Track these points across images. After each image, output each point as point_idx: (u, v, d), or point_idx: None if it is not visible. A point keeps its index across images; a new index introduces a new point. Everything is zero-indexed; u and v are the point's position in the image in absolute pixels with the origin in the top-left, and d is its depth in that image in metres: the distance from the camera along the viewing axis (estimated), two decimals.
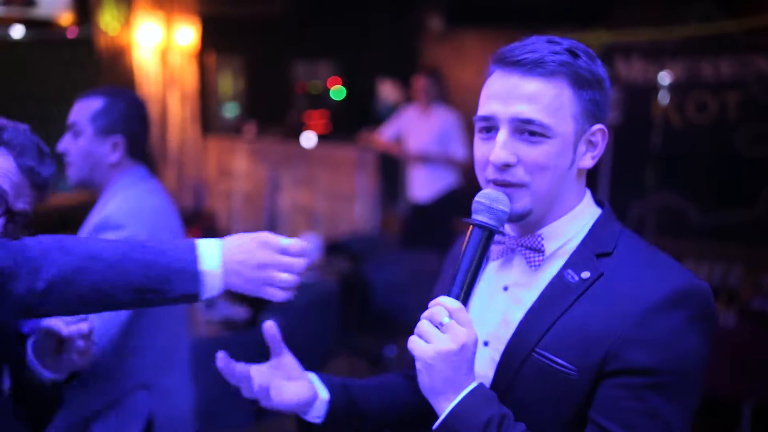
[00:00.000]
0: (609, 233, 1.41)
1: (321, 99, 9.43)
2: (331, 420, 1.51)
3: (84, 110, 2.53)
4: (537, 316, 1.36)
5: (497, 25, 8.04)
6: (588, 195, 1.45)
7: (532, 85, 1.33)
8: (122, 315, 2.39)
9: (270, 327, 1.54)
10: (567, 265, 1.38)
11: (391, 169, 7.51)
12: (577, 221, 1.41)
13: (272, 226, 8.07)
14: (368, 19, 9.20)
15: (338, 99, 9.57)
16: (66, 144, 2.53)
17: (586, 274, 1.35)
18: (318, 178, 7.84)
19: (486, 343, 1.42)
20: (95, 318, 2.30)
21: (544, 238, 1.40)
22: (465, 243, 1.33)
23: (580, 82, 1.35)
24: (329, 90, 9.54)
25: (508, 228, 1.46)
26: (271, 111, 9.15)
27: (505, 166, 1.34)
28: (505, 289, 1.44)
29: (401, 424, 1.65)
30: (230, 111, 9.17)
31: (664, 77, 6.00)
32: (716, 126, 6.30)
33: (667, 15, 6.52)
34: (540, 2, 7.62)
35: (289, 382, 1.51)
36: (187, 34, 8.00)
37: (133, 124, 2.57)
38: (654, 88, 6.34)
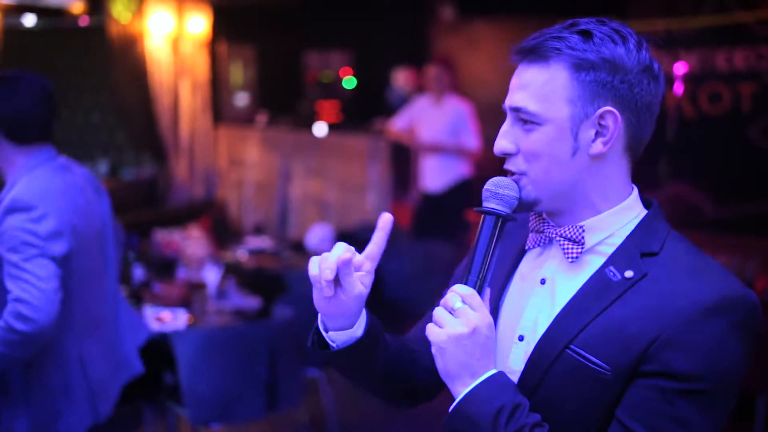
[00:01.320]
0: (656, 233, 1.36)
1: (332, 89, 9.43)
2: (360, 346, 1.45)
3: None
4: (574, 312, 1.32)
5: (509, 14, 8.00)
6: (635, 192, 1.41)
7: (527, 72, 1.34)
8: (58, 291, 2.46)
9: (386, 219, 1.49)
10: (609, 262, 1.34)
11: (402, 159, 7.50)
12: (621, 217, 1.37)
13: (283, 216, 8.07)
14: (380, 9, 9.17)
15: (350, 88, 9.57)
16: None
17: (629, 273, 1.31)
18: (329, 168, 7.84)
19: (521, 338, 1.39)
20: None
21: (585, 231, 1.36)
22: (478, 232, 1.34)
23: (581, 64, 1.30)
24: (341, 79, 9.53)
25: (544, 215, 1.44)
26: (283, 100, 9.15)
27: (506, 155, 1.36)
28: (543, 282, 1.40)
29: (401, 390, 1.62)
30: (240, 100, 9.17)
31: (678, 68, 5.95)
32: (730, 117, 6.26)
33: (681, 5, 6.48)
34: None
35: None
36: (199, 23, 8.00)
37: (15, 107, 2.58)
38: (667, 78, 6.31)
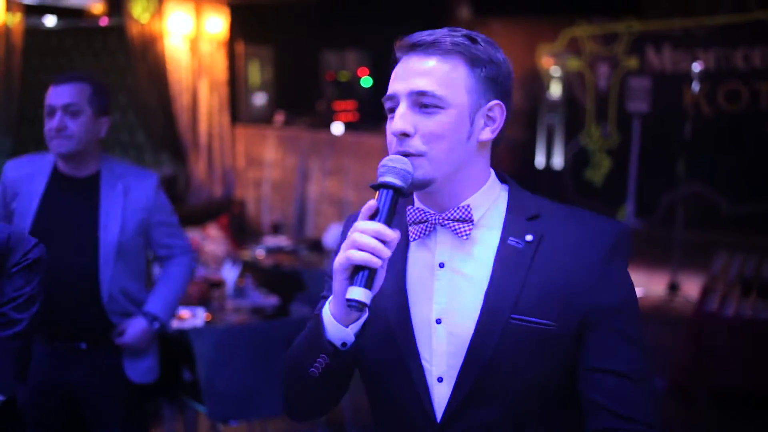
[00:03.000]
0: (527, 200, 1.52)
1: (350, 88, 9.45)
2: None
3: None
4: (501, 285, 1.43)
5: (525, 14, 8.01)
6: (493, 172, 1.54)
7: (428, 62, 1.45)
8: None
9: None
10: (505, 234, 1.46)
11: None
12: (491, 193, 1.50)
13: (301, 215, 8.11)
14: (397, 9, 9.19)
15: (367, 87, 9.59)
16: None
17: (529, 237, 1.45)
18: (347, 167, 7.87)
19: (438, 321, 1.46)
20: None
21: (472, 208, 1.47)
22: (377, 205, 1.39)
23: (475, 61, 1.44)
24: (358, 79, 9.56)
25: (423, 205, 1.51)
26: (300, 100, 9.18)
27: (403, 135, 1.43)
28: (441, 266, 1.48)
29: None
30: (258, 100, 9.21)
31: (696, 66, 5.94)
32: (747, 115, 6.25)
33: (699, 4, 6.47)
34: None
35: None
36: (217, 23, 8.05)
37: None
38: (685, 77, 6.30)
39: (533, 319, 1.40)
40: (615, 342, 1.41)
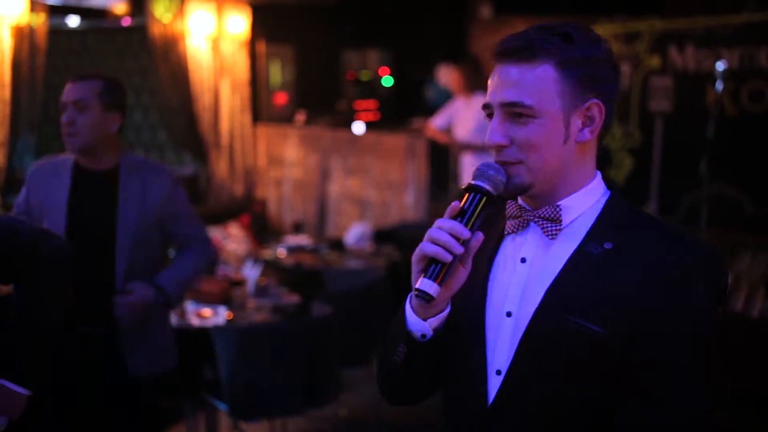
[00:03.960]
0: (622, 209, 1.50)
1: (371, 87, 9.45)
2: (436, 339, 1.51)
3: None
4: (564, 285, 1.43)
5: (547, 13, 7.97)
6: (599, 175, 1.53)
7: (516, 70, 1.44)
8: None
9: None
10: (588, 238, 1.46)
11: (440, 158, 7.51)
12: (590, 197, 1.50)
13: (322, 214, 8.13)
14: (418, 8, 9.19)
15: (388, 86, 9.59)
16: None
17: (608, 245, 1.43)
18: (368, 166, 7.87)
19: (509, 314, 1.48)
20: None
21: (562, 210, 1.48)
22: (463, 205, 1.43)
23: (568, 63, 1.43)
24: (379, 78, 9.56)
25: (521, 201, 1.54)
26: (321, 99, 9.19)
27: (500, 147, 1.45)
28: (523, 261, 1.50)
29: None
30: (279, 99, 9.24)
31: (719, 65, 5.89)
32: None
33: (722, 2, 6.42)
34: None
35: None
36: (239, 22, 8.08)
37: None
38: (708, 76, 6.25)
39: (586, 323, 1.39)
40: (670, 376, 1.37)
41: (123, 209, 3.00)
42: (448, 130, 6.77)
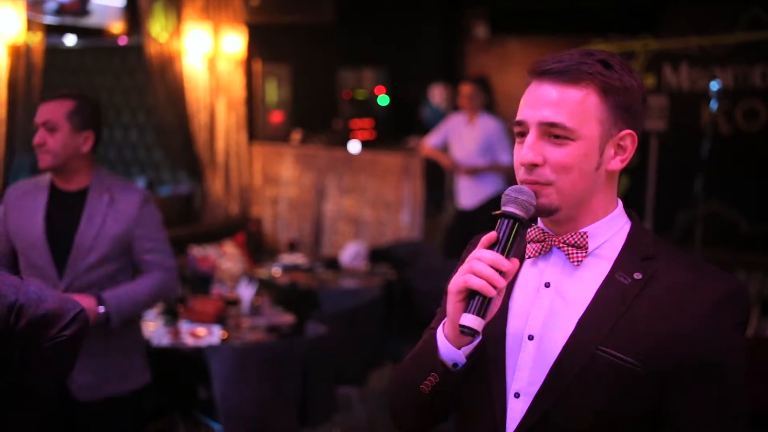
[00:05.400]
0: (646, 239, 1.49)
1: (367, 106, 9.48)
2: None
3: None
4: (597, 315, 1.42)
5: (542, 32, 8.01)
6: (621, 204, 1.53)
7: (558, 91, 1.43)
8: None
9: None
10: (616, 268, 1.45)
11: (436, 177, 7.52)
12: (614, 225, 1.50)
13: (318, 233, 8.12)
14: (414, 27, 9.23)
15: (384, 106, 9.61)
16: None
17: (638, 276, 1.43)
18: (363, 185, 7.88)
19: (531, 337, 1.48)
20: None
21: (589, 236, 1.47)
22: (498, 234, 1.41)
23: (608, 90, 1.42)
24: (375, 97, 9.59)
25: (544, 225, 1.54)
26: (317, 118, 9.21)
27: (533, 166, 1.44)
28: (547, 285, 1.49)
29: None
30: (275, 118, 9.26)
31: (713, 85, 5.93)
32: (766, 134, 6.21)
33: (715, 22, 6.46)
34: (586, 10, 7.58)
35: None
36: (235, 42, 8.10)
37: None
38: (702, 95, 6.27)
39: (619, 355, 1.38)
40: (708, 408, 1.37)
41: (84, 223, 2.99)
42: (443, 148, 6.77)
